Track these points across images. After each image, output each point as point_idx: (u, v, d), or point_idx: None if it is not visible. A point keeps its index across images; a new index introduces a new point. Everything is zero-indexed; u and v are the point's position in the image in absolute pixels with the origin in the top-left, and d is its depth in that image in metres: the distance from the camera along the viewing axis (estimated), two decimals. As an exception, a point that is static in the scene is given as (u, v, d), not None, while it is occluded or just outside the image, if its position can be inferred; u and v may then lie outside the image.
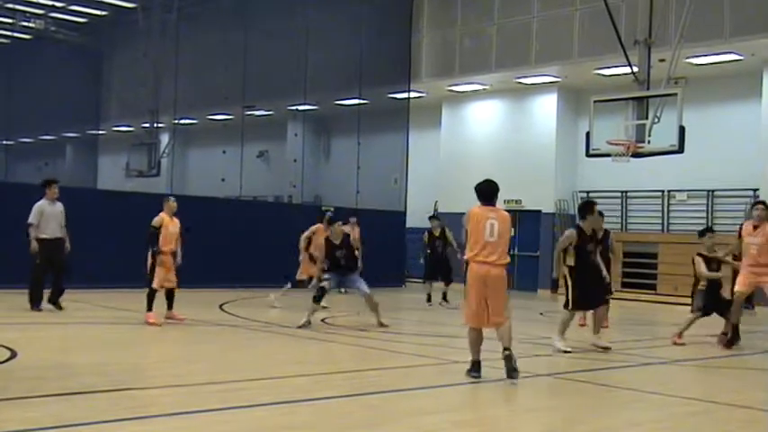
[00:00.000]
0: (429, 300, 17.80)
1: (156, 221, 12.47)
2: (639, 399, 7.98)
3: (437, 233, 18.05)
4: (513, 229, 8.35)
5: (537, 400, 7.79)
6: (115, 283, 16.71)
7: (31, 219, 13.37)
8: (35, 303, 13.45)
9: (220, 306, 15.50)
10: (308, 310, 12.36)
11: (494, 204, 8.51)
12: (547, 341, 12.35)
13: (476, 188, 8.62)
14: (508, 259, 8.41)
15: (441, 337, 12.24)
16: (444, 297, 17.86)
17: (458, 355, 10.51)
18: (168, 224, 12.56)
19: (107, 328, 12.00)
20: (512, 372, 8.07)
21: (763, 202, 12.22)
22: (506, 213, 8.54)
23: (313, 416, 6.49)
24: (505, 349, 8.16)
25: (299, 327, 12.04)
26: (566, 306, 11.03)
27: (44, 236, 13.40)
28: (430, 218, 19.16)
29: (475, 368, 8.32)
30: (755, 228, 11.62)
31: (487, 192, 8.54)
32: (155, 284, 12.34)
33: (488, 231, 8.23)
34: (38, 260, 13.35)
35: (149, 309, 12.18)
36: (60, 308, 13.46)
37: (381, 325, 12.54)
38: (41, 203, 13.58)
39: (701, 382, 9.65)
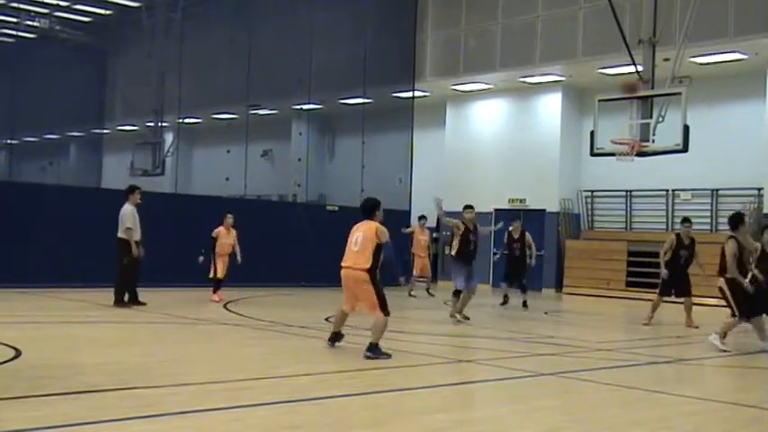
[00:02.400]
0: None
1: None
2: (644, 398, 7.97)
3: (516, 235, 17.96)
4: (383, 237, 9.70)
5: (541, 398, 7.80)
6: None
7: (131, 223, 14.34)
8: (122, 301, 14.41)
9: (224, 305, 15.53)
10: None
11: (371, 218, 9.89)
12: (551, 340, 12.37)
13: (360, 206, 10.30)
14: (368, 264, 9.58)
15: (445, 336, 12.24)
16: (524, 304, 17.63)
17: (463, 354, 10.53)
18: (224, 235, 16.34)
19: (111, 327, 12.02)
20: (366, 351, 9.45)
21: None
22: (372, 226, 9.77)
23: (317, 415, 6.50)
24: (370, 343, 9.54)
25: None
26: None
27: (136, 238, 14.44)
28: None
29: (332, 338, 10.16)
30: None
31: (364, 207, 10.12)
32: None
33: (353, 242, 9.79)
34: (126, 260, 14.34)
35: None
36: (143, 303, 14.50)
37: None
38: (132, 208, 14.47)
39: (704, 381, 9.65)
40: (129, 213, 14.38)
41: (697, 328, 14.45)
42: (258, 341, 11.19)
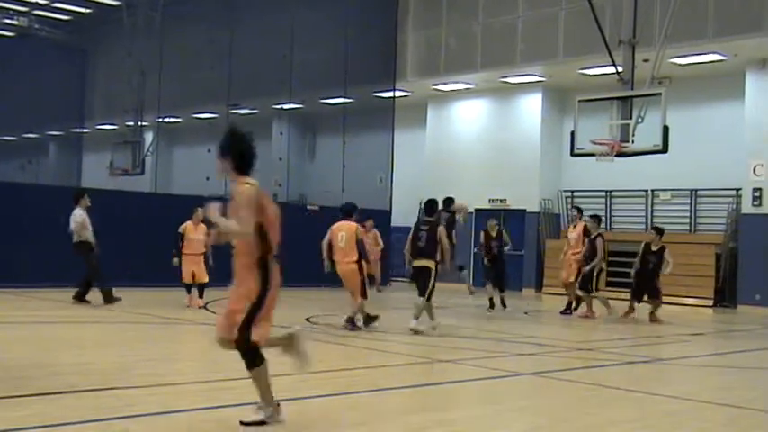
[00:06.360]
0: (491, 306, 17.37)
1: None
2: (622, 397, 8.03)
3: (494, 234, 17.87)
4: (358, 235, 11.94)
5: (521, 398, 7.83)
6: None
7: (88, 226, 14.73)
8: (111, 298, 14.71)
9: (204, 305, 15.43)
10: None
11: (350, 219, 12.00)
12: (531, 340, 12.41)
13: (339, 208, 12.58)
14: (355, 257, 11.87)
15: (426, 336, 12.25)
16: (502, 302, 17.42)
17: (444, 353, 10.55)
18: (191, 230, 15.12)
19: (89, 328, 11.94)
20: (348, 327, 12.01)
21: None
22: (352, 225, 11.97)
23: (299, 415, 6.49)
24: (348, 317, 12.15)
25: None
26: None
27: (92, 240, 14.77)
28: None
29: (366, 320, 12.30)
30: None
31: (344, 210, 12.25)
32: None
33: (339, 239, 11.88)
34: (95, 260, 14.72)
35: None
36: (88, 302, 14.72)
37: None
38: (84, 213, 14.69)
39: (683, 380, 9.72)
40: (85, 221, 14.59)
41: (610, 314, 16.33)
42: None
